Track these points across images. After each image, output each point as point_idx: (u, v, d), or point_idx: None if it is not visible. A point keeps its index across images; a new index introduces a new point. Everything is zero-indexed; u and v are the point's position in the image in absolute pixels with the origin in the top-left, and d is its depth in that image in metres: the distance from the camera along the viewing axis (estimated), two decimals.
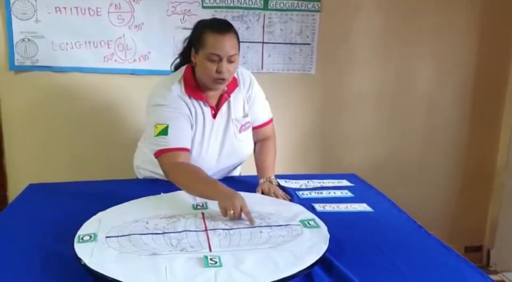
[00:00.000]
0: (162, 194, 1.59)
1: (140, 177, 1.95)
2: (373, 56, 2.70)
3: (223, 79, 1.60)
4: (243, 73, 1.78)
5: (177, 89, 1.66)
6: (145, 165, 1.89)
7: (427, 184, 2.94)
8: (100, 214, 1.40)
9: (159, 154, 1.60)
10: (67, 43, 2.35)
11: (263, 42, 2.54)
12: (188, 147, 1.63)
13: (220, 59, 1.55)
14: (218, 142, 1.74)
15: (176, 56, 1.78)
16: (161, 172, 1.82)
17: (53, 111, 2.45)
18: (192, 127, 1.67)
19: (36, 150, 2.48)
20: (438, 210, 2.97)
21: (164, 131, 1.58)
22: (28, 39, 2.31)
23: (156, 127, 1.59)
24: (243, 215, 1.36)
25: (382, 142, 2.83)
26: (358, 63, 2.69)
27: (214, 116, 1.72)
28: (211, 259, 1.13)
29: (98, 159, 2.36)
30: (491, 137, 2.93)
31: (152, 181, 1.85)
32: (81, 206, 1.48)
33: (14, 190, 2.34)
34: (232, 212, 1.35)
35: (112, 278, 1.05)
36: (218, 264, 1.11)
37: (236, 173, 1.98)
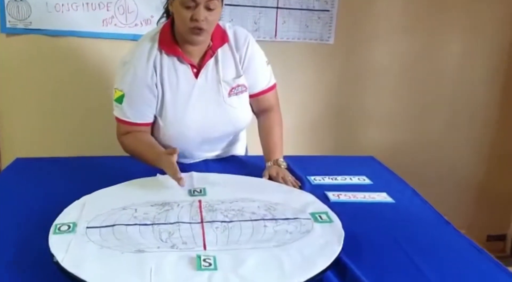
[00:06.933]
0: (158, 175, 1.46)
1: None
2: (398, 26, 2.59)
3: (200, 29, 1.45)
4: (238, 31, 1.63)
5: (148, 44, 1.56)
6: None
7: (449, 168, 2.85)
8: (84, 198, 1.28)
9: (116, 119, 1.62)
10: (62, 5, 2.23)
11: (277, 7, 2.41)
12: (142, 121, 1.59)
13: (196, 5, 1.42)
14: (201, 104, 1.59)
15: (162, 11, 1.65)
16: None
17: (48, 78, 2.36)
18: (157, 91, 1.57)
19: (29, 119, 2.42)
20: (460, 196, 2.91)
21: (120, 100, 1.57)
22: None
23: (115, 91, 1.58)
24: None
25: (404, 120, 2.75)
26: (382, 33, 2.59)
27: (196, 75, 1.58)
28: (204, 260, 0.99)
29: (95, 130, 2.35)
30: None
31: None
32: (68, 186, 1.42)
33: (7, 162, 2.19)
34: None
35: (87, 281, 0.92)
36: (212, 266, 0.98)
37: (241, 151, 1.86)
